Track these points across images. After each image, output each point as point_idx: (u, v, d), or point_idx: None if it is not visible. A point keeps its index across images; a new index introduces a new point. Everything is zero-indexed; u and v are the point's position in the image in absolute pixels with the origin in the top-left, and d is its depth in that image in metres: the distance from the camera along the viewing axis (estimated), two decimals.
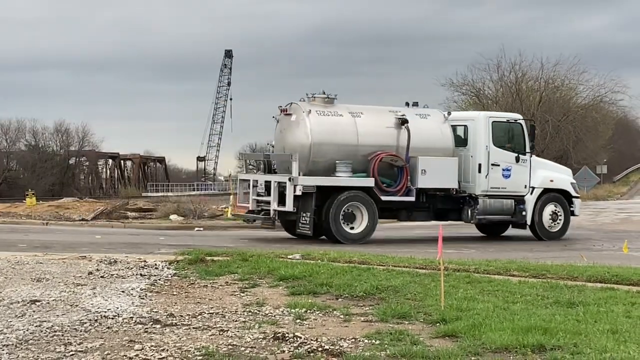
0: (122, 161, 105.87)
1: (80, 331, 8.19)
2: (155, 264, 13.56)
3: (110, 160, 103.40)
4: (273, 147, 21.86)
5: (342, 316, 9.04)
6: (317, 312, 9.22)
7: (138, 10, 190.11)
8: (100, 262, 13.81)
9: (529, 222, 21.67)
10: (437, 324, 8.47)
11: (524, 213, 21.44)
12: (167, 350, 7.36)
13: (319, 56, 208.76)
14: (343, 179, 19.89)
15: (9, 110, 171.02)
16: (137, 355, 7.18)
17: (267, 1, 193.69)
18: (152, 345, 7.53)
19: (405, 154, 20.35)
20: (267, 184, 20.22)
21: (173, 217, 31.85)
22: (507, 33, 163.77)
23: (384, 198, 20.03)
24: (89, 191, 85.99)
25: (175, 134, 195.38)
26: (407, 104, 22.03)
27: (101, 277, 12.11)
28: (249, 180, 21.23)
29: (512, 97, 54.60)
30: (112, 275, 12.31)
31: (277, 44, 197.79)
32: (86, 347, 7.51)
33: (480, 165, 21.21)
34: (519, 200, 21.50)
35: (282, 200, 19.66)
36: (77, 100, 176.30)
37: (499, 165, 21.32)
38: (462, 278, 11.58)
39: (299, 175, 19.41)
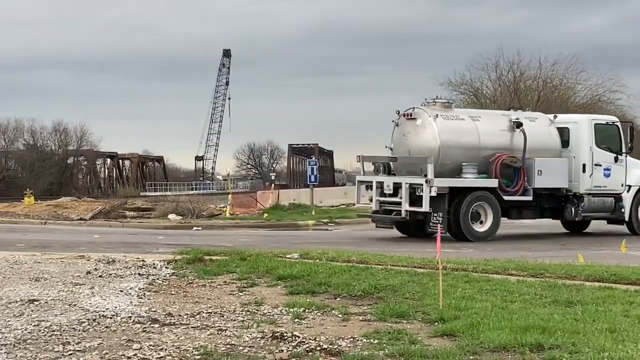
0: (120, 161, 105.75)
1: (79, 330, 8.19)
2: (154, 264, 13.56)
3: (108, 160, 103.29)
4: (392, 149, 22.52)
5: (340, 315, 9.04)
6: (316, 312, 9.22)
7: (137, 10, 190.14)
8: (99, 261, 13.81)
9: (627, 219, 22.95)
10: (436, 323, 8.47)
11: (622, 210, 22.76)
12: (166, 349, 7.36)
13: (317, 55, 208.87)
14: (471, 180, 21.01)
15: (8, 110, 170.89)
16: (135, 354, 7.18)
17: (266, 1, 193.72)
18: (150, 345, 7.53)
19: (522, 155, 21.51)
20: (396, 186, 21.01)
21: (171, 216, 31.87)
22: (506, 32, 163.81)
23: (506, 198, 21.24)
24: (87, 191, 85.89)
25: (174, 134, 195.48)
26: (511, 108, 23.88)
27: (99, 276, 12.11)
28: (371, 182, 22.06)
29: (510, 96, 54.57)
30: (110, 274, 12.31)
31: (276, 43, 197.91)
32: (84, 346, 7.51)
33: (584, 165, 22.39)
34: (617, 197, 22.76)
35: (412, 201, 20.62)
36: (76, 100, 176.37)
37: (600, 165, 22.61)
38: (461, 277, 11.58)
39: (433, 177, 20.28)
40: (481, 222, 21.12)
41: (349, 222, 29.46)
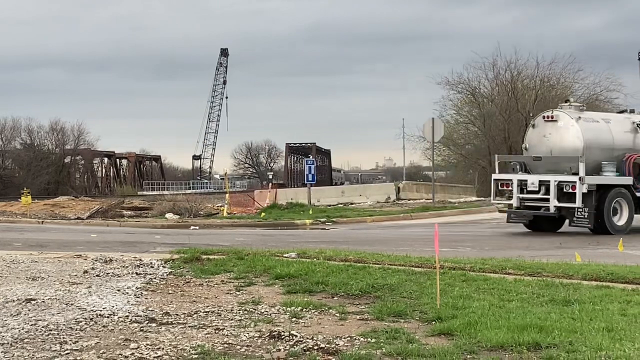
0: (117, 160, 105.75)
1: (76, 330, 8.18)
2: (151, 263, 13.55)
3: (105, 159, 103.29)
4: (526, 149, 23.90)
5: (337, 314, 9.04)
6: (313, 311, 9.21)
7: (134, 9, 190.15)
8: (96, 260, 13.80)
9: None
10: (433, 322, 8.47)
11: None
12: (163, 349, 7.36)
13: (315, 54, 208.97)
14: (613, 177, 22.66)
15: (5, 109, 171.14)
16: (132, 353, 7.17)
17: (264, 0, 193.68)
18: (147, 344, 7.53)
19: None
20: (542, 183, 22.42)
21: (169, 215, 31.88)
22: (503, 31, 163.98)
23: (638, 194, 22.77)
24: (84, 190, 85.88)
25: (171, 133, 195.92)
26: (625, 111, 25.32)
27: (97, 275, 12.10)
28: (509, 180, 23.22)
29: (508, 95, 54.63)
30: (107, 274, 12.30)
31: (273, 42, 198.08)
32: (82, 345, 7.50)
33: None
34: None
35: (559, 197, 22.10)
36: (73, 99, 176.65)
37: None
38: (458, 276, 11.58)
39: (585, 175, 21.66)
40: (619, 217, 22.49)
41: (347, 221, 29.49)
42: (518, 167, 23.64)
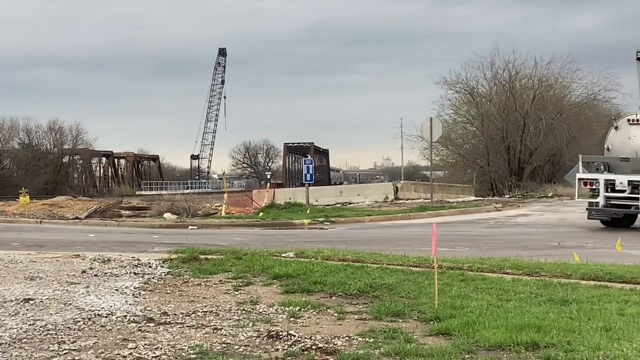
0: (115, 159, 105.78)
1: (74, 330, 8.18)
2: (149, 263, 13.55)
3: (103, 159, 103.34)
4: (609, 150, 24.95)
5: (336, 314, 9.03)
6: (311, 310, 9.21)
7: (134, 9, 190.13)
8: (94, 260, 13.80)
9: None
10: (431, 322, 8.47)
11: None
12: (161, 348, 7.36)
13: (313, 54, 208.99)
14: None
15: (3, 109, 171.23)
16: (130, 353, 7.17)
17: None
18: (145, 344, 7.52)
19: None
20: (632, 183, 23.38)
21: (167, 215, 31.88)
22: (502, 31, 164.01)
23: None
24: (82, 189, 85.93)
25: (170, 132, 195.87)
26: None
27: (95, 275, 12.10)
28: (595, 179, 24.03)
29: (506, 95, 54.68)
30: (105, 273, 12.29)
31: (273, 42, 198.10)
32: (80, 345, 7.50)
33: None
34: None
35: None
36: (72, 99, 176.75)
37: None
38: (456, 276, 11.59)
39: None
40: None
41: (345, 220, 29.48)
42: (602, 167, 24.41)
